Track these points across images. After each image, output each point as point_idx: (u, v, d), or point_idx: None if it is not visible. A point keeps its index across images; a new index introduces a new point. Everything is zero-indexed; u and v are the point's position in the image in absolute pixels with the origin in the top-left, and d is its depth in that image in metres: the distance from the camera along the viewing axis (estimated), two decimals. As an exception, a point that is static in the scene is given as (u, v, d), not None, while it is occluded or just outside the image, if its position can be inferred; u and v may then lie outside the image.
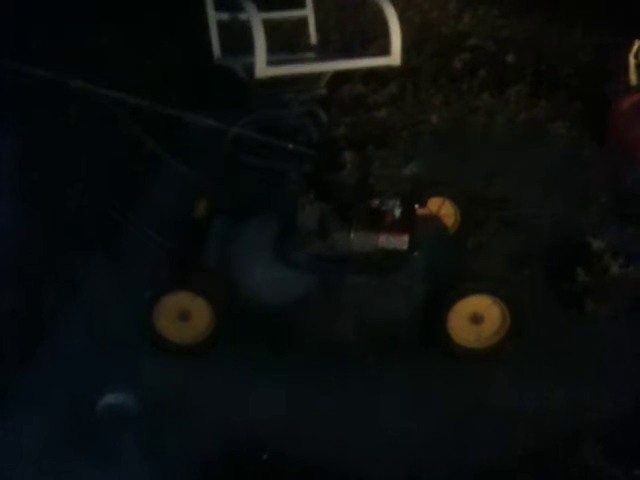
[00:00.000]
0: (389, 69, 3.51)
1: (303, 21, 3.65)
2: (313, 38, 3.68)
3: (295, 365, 2.65)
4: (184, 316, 2.68)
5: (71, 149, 3.91)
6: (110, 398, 2.32)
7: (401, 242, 2.72)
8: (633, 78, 4.06)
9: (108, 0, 5.05)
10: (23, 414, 2.47)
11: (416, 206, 2.85)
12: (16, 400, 2.53)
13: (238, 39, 3.25)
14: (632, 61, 4.05)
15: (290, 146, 2.98)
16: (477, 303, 2.67)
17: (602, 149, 4.11)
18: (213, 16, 3.40)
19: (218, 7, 3.40)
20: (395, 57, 3.37)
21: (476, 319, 2.67)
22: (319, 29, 3.66)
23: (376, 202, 2.77)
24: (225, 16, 3.40)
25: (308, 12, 3.64)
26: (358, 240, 2.73)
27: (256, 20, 3.06)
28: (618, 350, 2.74)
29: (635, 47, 4.03)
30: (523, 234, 3.41)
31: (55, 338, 2.80)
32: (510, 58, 5.10)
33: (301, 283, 2.75)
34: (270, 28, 3.17)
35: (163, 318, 2.68)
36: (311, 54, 3.59)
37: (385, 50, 3.39)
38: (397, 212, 2.75)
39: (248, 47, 3.06)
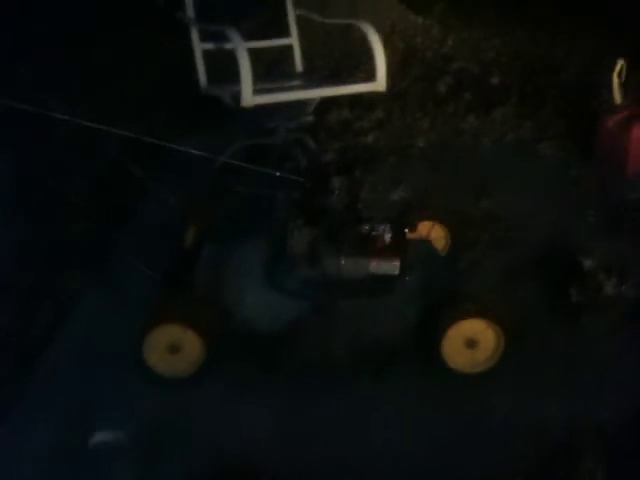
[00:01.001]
0: (375, 94, 3.52)
1: (289, 47, 3.67)
2: (299, 65, 3.70)
3: (287, 389, 2.63)
4: (174, 348, 2.65)
5: (60, 173, 3.90)
6: (101, 436, 2.29)
7: (392, 267, 2.72)
8: (617, 97, 4.11)
9: (97, 23, 5.06)
10: (12, 439, 2.45)
11: (406, 230, 2.86)
12: (5, 426, 2.51)
13: (224, 67, 3.26)
14: (616, 80, 4.10)
15: (278, 174, 2.98)
16: (471, 327, 2.66)
17: (590, 165, 4.14)
18: (198, 45, 3.42)
19: (203, 37, 3.41)
20: (380, 83, 3.39)
21: (471, 343, 2.66)
22: (305, 55, 3.68)
23: (366, 227, 2.77)
24: (210, 45, 3.41)
25: (293, 40, 3.67)
26: (349, 266, 2.73)
27: (241, 50, 3.07)
28: (615, 366, 2.73)
29: (618, 66, 4.08)
30: (513, 253, 3.41)
31: (45, 364, 2.78)
32: (494, 80, 5.14)
33: (292, 308, 2.74)
34: (255, 55, 3.18)
35: (153, 351, 2.65)
36: (297, 81, 3.60)
37: (371, 75, 3.41)
38: (387, 237, 2.75)
39: (234, 75, 3.07)
